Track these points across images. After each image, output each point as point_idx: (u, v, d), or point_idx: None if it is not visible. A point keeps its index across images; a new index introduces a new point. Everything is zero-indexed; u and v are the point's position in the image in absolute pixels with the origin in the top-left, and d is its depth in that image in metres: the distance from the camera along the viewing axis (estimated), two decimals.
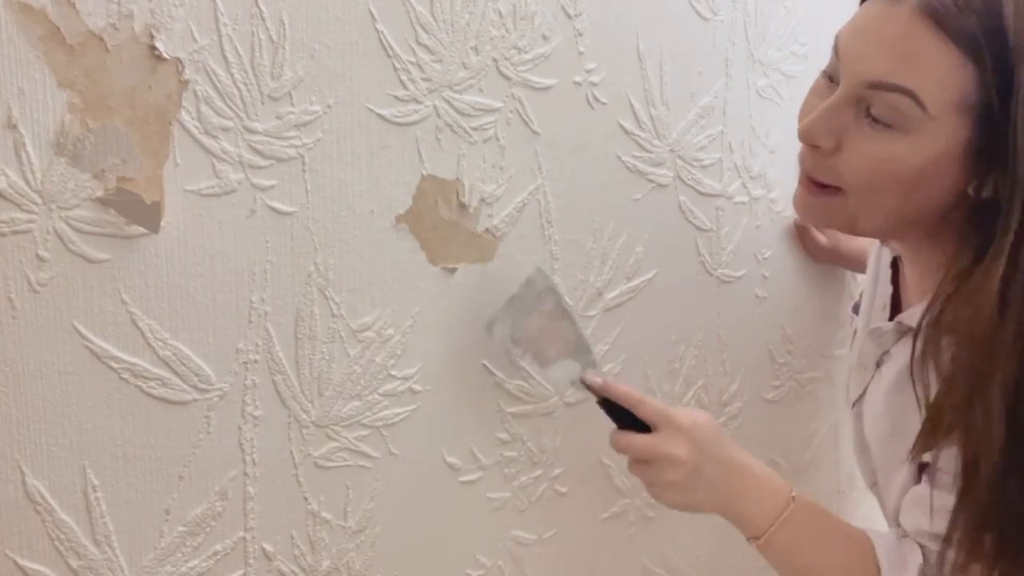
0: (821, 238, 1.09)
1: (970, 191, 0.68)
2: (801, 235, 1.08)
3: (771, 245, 1.05)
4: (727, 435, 0.78)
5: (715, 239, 0.98)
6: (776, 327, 1.07)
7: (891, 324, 0.82)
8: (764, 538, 0.75)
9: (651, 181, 0.90)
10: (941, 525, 0.71)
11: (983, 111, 0.65)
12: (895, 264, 0.86)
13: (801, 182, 0.77)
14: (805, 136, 0.72)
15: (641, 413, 0.76)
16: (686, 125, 0.92)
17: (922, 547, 0.75)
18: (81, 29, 0.57)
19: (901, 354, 0.80)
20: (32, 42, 0.56)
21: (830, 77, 0.73)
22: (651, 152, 0.90)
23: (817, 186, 0.74)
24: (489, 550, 0.84)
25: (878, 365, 0.84)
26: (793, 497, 0.76)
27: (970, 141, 0.66)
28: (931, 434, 0.69)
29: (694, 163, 0.94)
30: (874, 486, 0.88)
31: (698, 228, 0.96)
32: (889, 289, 0.86)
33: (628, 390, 0.77)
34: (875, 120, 0.68)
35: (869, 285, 0.90)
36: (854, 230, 0.76)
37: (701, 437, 0.75)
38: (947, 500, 0.71)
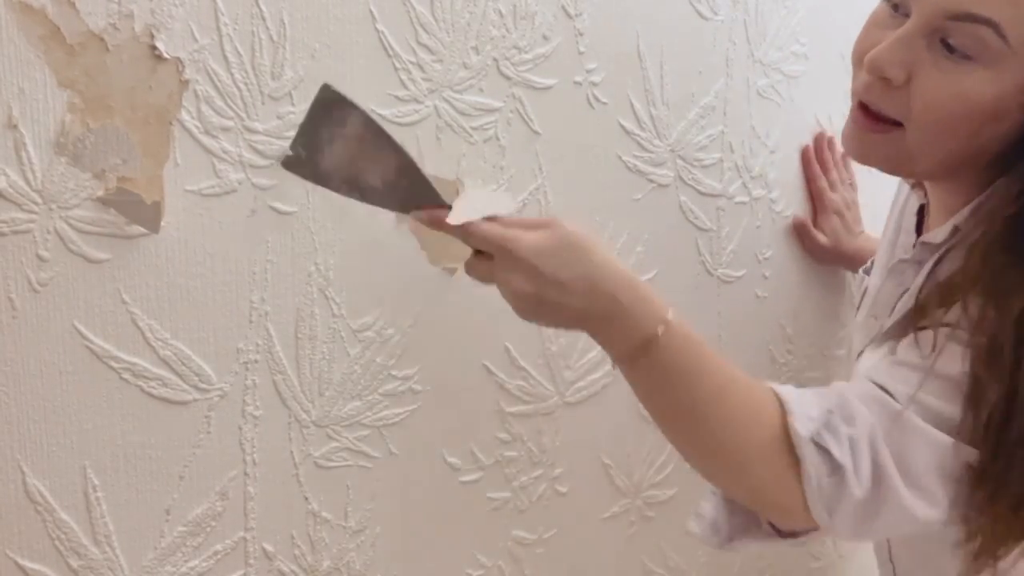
0: (821, 238, 1.09)
1: None
2: (801, 235, 1.08)
3: (771, 245, 1.05)
4: (600, 250, 0.65)
5: (715, 239, 0.98)
6: (776, 327, 1.07)
7: (913, 250, 0.78)
8: (628, 363, 0.65)
9: (651, 181, 0.90)
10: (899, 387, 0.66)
11: None
12: (920, 213, 0.83)
13: (854, 117, 0.72)
14: (874, 67, 0.68)
15: (471, 244, 0.66)
16: (686, 125, 0.92)
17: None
18: (81, 29, 0.57)
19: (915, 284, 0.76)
20: (32, 42, 0.56)
21: (895, 6, 0.69)
22: (651, 152, 0.90)
23: (873, 120, 0.70)
24: (489, 550, 0.84)
25: (893, 311, 0.79)
26: (668, 320, 0.64)
27: None
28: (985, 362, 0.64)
29: (694, 163, 0.94)
30: None
31: (698, 228, 0.96)
32: (914, 237, 0.82)
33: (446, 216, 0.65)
34: (952, 51, 0.65)
35: (890, 235, 0.87)
36: (906, 169, 0.73)
37: (545, 266, 0.63)
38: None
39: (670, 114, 0.90)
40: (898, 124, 0.69)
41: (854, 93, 0.72)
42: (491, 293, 0.79)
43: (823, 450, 0.64)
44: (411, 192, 0.65)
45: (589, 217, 0.85)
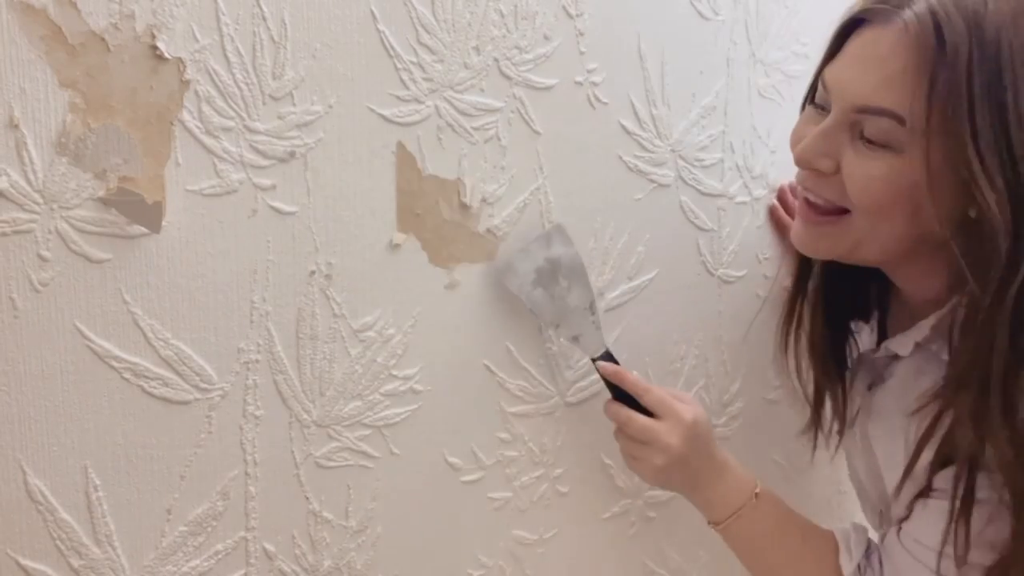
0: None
1: (971, 214, 0.68)
2: (781, 230, 1.07)
3: (772, 245, 1.05)
4: (713, 431, 0.82)
5: (716, 239, 0.98)
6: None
7: (880, 351, 0.84)
8: (723, 525, 0.81)
9: (652, 181, 0.90)
10: (932, 537, 0.73)
11: None
12: (881, 290, 0.88)
13: (801, 213, 0.78)
14: (802, 159, 0.74)
15: (646, 401, 0.80)
16: (687, 125, 0.92)
17: (904, 554, 0.76)
18: (83, 29, 0.57)
19: (894, 378, 0.82)
20: (34, 42, 0.56)
21: (821, 107, 0.75)
22: (652, 152, 0.90)
23: (818, 214, 0.76)
24: (490, 550, 0.84)
25: (869, 389, 0.85)
26: (757, 493, 0.81)
27: None
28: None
29: (695, 163, 0.94)
30: (865, 502, 0.91)
31: (699, 228, 0.96)
32: (875, 315, 0.88)
33: (636, 379, 0.80)
34: (869, 141, 0.70)
35: None
36: (859, 255, 0.76)
37: (697, 434, 0.79)
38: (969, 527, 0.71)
39: (671, 114, 0.90)
40: (845, 211, 0.74)
41: (798, 188, 0.79)
42: (492, 293, 0.79)
43: None
44: (585, 325, 0.81)
45: (590, 217, 0.85)
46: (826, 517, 1.20)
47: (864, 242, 0.74)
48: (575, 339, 0.81)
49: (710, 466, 0.80)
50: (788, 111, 1.02)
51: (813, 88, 0.78)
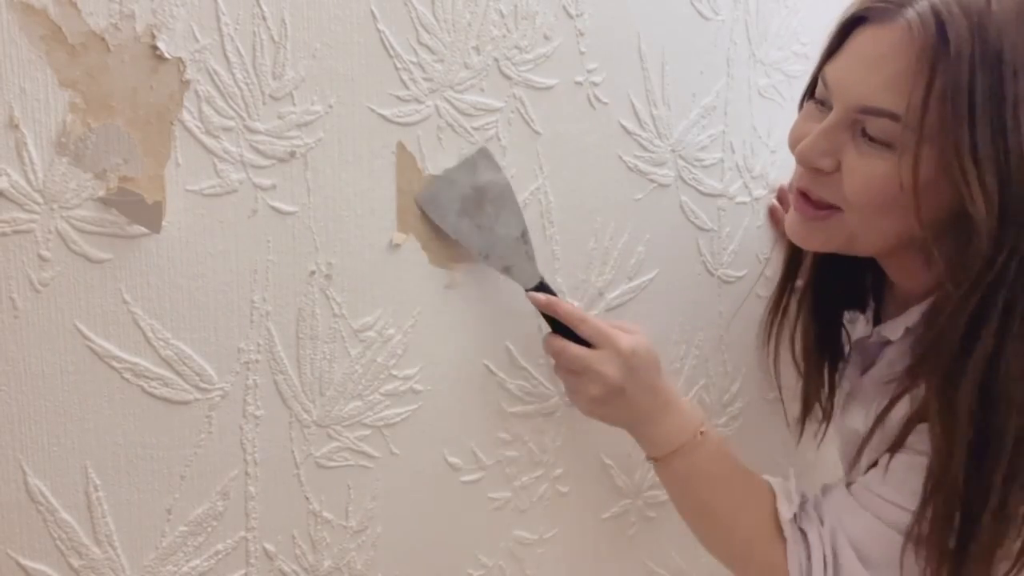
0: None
1: (969, 209, 0.68)
2: (778, 227, 1.07)
3: (773, 245, 1.05)
4: (662, 367, 0.80)
5: (717, 239, 0.98)
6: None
7: (872, 336, 0.85)
8: (663, 461, 0.80)
9: (652, 181, 0.90)
10: (902, 495, 0.74)
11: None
12: (876, 280, 0.89)
13: (795, 206, 0.78)
14: (803, 158, 0.74)
15: (582, 331, 0.77)
16: (687, 125, 0.92)
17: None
18: (83, 29, 0.57)
19: (881, 362, 0.82)
20: (34, 42, 0.56)
21: (820, 102, 0.75)
22: (652, 152, 0.90)
23: (813, 208, 0.76)
24: (490, 550, 0.84)
25: (861, 376, 0.86)
26: (702, 432, 0.80)
27: None
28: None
29: (695, 163, 0.94)
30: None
31: (699, 228, 0.96)
32: (871, 304, 0.89)
33: (570, 309, 0.78)
34: (871, 140, 0.70)
35: None
36: (852, 248, 0.77)
37: (636, 364, 0.77)
38: (905, 473, 0.74)
39: (671, 114, 0.90)
40: (838, 208, 0.74)
41: (794, 181, 0.79)
42: (492, 293, 0.79)
43: (803, 532, 0.77)
44: (517, 256, 0.77)
45: (590, 217, 0.85)
46: None
47: (858, 237, 0.75)
48: (507, 270, 0.77)
49: (652, 399, 0.78)
50: (788, 111, 1.02)
51: (813, 84, 0.78)
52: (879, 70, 0.68)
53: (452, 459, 0.80)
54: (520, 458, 0.85)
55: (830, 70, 0.73)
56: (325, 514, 0.73)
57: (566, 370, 0.79)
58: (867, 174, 0.70)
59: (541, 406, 0.85)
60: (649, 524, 0.97)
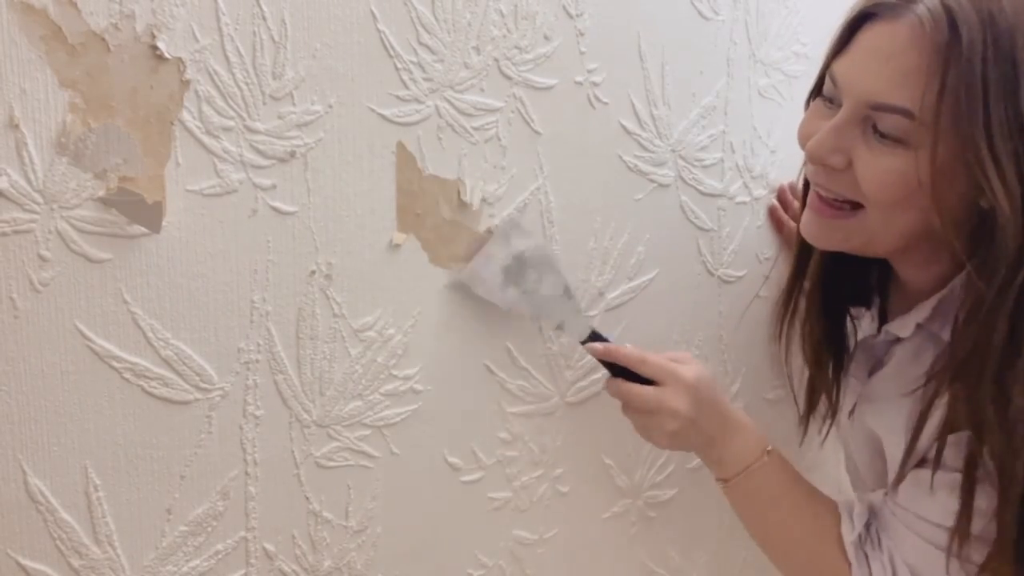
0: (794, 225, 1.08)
1: (983, 204, 0.68)
2: (780, 230, 1.07)
3: (773, 245, 1.05)
4: (720, 387, 0.82)
5: (717, 239, 0.98)
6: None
7: (880, 335, 0.84)
8: (732, 482, 0.81)
9: (652, 181, 0.90)
10: (935, 512, 0.74)
11: None
12: (882, 277, 0.88)
13: (813, 206, 0.77)
14: (814, 156, 0.73)
15: (644, 372, 0.79)
16: (687, 125, 0.92)
17: (906, 526, 0.77)
18: (83, 29, 0.57)
19: (891, 362, 0.82)
20: (34, 42, 0.56)
21: (829, 99, 0.74)
22: (652, 152, 0.90)
23: (831, 207, 0.75)
24: (490, 550, 0.84)
25: (869, 375, 0.85)
26: (768, 451, 0.81)
27: None
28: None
29: (695, 163, 0.94)
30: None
31: (700, 228, 0.96)
32: (877, 301, 0.88)
33: (629, 352, 0.79)
34: (882, 136, 0.69)
35: None
36: (869, 248, 0.76)
37: (702, 394, 0.78)
38: (947, 497, 0.72)
39: (671, 114, 0.90)
40: (858, 206, 0.73)
41: (807, 178, 0.78)
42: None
43: (866, 556, 0.78)
44: (566, 312, 0.80)
45: (590, 217, 0.85)
46: None
47: (879, 236, 0.74)
48: (559, 327, 0.80)
49: (722, 423, 0.80)
50: (788, 111, 1.02)
51: (820, 81, 0.77)
52: (891, 66, 0.68)
53: (452, 459, 0.80)
54: (520, 458, 0.85)
55: (839, 67, 0.72)
56: (325, 514, 0.73)
57: (637, 411, 0.80)
58: (881, 170, 0.70)
59: (541, 406, 0.85)
60: (649, 524, 0.97)
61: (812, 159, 0.74)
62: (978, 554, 0.71)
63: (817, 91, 0.78)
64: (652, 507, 0.96)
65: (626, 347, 0.80)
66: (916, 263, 0.79)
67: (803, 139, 0.76)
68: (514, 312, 0.79)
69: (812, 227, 0.78)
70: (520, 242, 0.78)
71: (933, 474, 0.73)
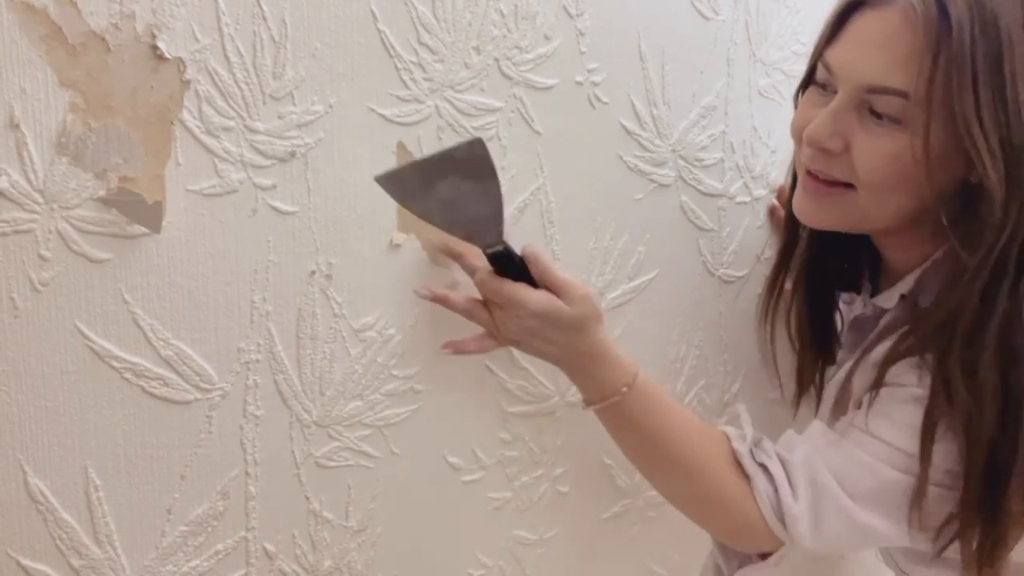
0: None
1: (972, 179, 0.72)
2: (779, 227, 1.06)
3: (773, 245, 1.05)
4: (601, 319, 0.76)
5: (717, 239, 0.98)
6: (778, 327, 1.07)
7: (867, 309, 0.86)
8: (598, 408, 0.77)
9: (653, 181, 0.90)
10: (889, 432, 0.74)
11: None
12: (872, 263, 0.90)
13: (805, 184, 0.79)
14: (813, 141, 0.75)
15: (548, 280, 0.73)
16: (688, 125, 0.92)
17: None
18: (83, 29, 0.57)
19: (875, 334, 0.83)
20: (34, 42, 0.56)
21: (823, 86, 0.77)
22: (653, 152, 0.90)
23: (825, 184, 0.77)
24: (490, 550, 0.84)
25: (860, 357, 0.85)
26: (633, 380, 0.76)
27: None
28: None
29: (696, 163, 0.94)
30: None
31: (700, 228, 0.96)
32: (868, 287, 0.90)
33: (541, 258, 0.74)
34: (879, 118, 0.72)
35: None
36: (863, 226, 0.79)
37: (586, 311, 0.73)
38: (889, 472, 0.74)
39: (671, 114, 0.90)
40: (849, 186, 0.76)
41: (800, 165, 0.79)
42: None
43: (763, 466, 0.77)
44: (488, 227, 0.71)
45: (591, 217, 0.85)
46: None
47: (871, 213, 0.76)
48: (468, 237, 0.71)
49: (589, 345, 0.75)
50: (788, 111, 1.02)
51: (811, 72, 0.80)
52: (885, 51, 0.70)
53: (452, 459, 0.80)
54: (520, 458, 0.85)
55: (833, 54, 0.75)
56: (325, 514, 0.73)
57: (503, 308, 0.73)
58: (878, 152, 0.72)
59: (541, 406, 0.85)
60: (649, 524, 0.97)
61: (811, 143, 0.75)
62: (934, 516, 0.73)
63: (807, 83, 0.80)
64: (652, 507, 0.96)
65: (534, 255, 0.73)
66: (901, 243, 0.81)
67: (798, 128, 0.78)
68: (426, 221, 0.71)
69: (807, 206, 0.79)
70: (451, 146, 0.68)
71: (876, 392, 0.75)
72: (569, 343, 0.74)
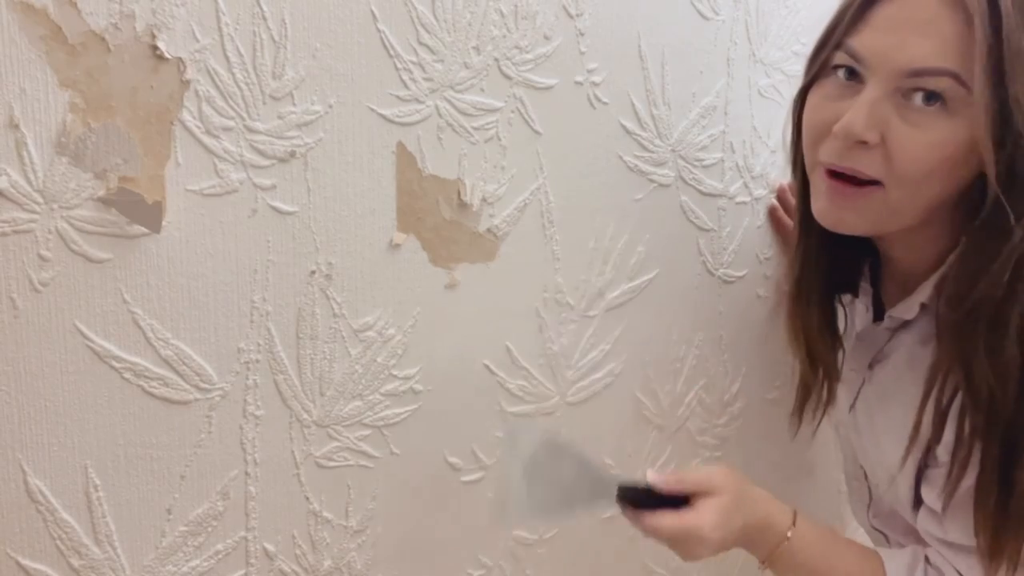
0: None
1: (988, 171, 0.68)
2: (780, 230, 1.06)
3: (773, 245, 1.05)
4: (746, 483, 0.78)
5: (717, 239, 0.98)
6: (777, 327, 1.07)
7: (882, 322, 0.83)
8: (768, 562, 0.80)
9: (653, 181, 0.90)
10: (954, 533, 0.75)
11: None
12: (872, 266, 0.88)
13: (829, 188, 0.74)
14: (848, 132, 0.70)
15: (681, 490, 0.75)
16: (688, 125, 0.92)
17: (934, 556, 0.78)
18: (83, 29, 0.57)
19: (898, 350, 0.81)
20: (34, 42, 0.56)
21: (850, 72, 0.73)
22: (653, 152, 0.90)
23: (852, 186, 0.73)
24: (491, 550, 0.84)
25: (870, 367, 0.85)
26: (792, 528, 0.79)
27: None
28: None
29: (695, 163, 0.94)
30: (860, 485, 0.92)
31: (700, 228, 0.96)
32: (870, 291, 0.87)
33: (660, 485, 0.76)
34: (922, 105, 0.69)
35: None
36: (888, 226, 0.75)
37: (729, 505, 0.75)
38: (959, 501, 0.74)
39: (671, 114, 0.90)
40: (875, 183, 0.72)
41: (818, 165, 0.75)
42: (493, 293, 0.79)
43: None
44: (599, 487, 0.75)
45: (591, 217, 0.85)
46: (826, 517, 1.20)
47: (901, 211, 0.73)
48: (591, 504, 0.77)
49: (748, 524, 0.78)
50: (788, 111, 1.02)
51: (821, 66, 0.75)
52: (928, 32, 0.68)
53: (452, 459, 0.80)
54: None
55: (861, 42, 0.71)
56: (325, 514, 0.73)
57: (669, 538, 0.76)
58: (919, 141, 0.69)
59: (541, 406, 0.85)
60: None
61: (847, 135, 0.71)
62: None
63: (815, 76, 0.76)
64: None
65: (654, 485, 0.75)
66: (915, 243, 0.78)
67: (821, 124, 0.74)
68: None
69: (834, 211, 0.75)
70: (526, 447, 0.74)
71: (951, 496, 0.75)
72: (720, 539, 0.75)
